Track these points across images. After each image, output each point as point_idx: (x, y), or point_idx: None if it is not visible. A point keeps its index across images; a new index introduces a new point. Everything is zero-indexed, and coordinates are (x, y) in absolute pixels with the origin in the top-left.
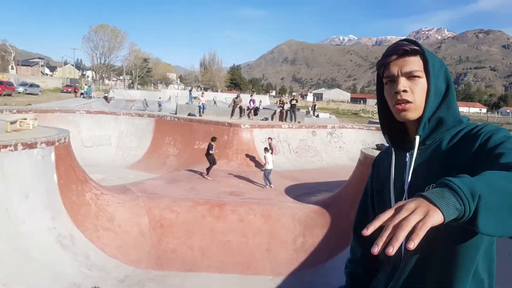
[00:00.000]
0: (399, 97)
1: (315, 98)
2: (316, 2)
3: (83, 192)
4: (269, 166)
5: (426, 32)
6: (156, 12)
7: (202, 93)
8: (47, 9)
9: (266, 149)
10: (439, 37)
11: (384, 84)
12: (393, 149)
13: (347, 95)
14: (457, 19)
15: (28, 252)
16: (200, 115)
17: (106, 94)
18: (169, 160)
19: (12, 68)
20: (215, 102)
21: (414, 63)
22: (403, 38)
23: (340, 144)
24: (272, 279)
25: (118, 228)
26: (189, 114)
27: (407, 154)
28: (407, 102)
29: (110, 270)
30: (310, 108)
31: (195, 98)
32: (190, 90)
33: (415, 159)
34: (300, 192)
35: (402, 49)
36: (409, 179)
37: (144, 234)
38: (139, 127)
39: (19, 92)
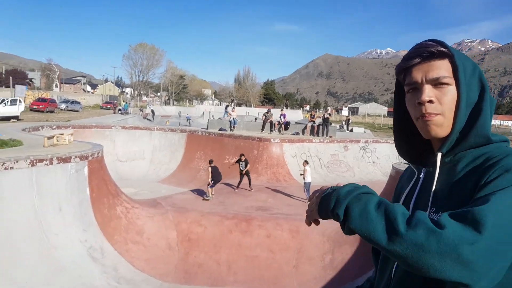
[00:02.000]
0: (424, 110)
1: (350, 112)
2: (352, 16)
3: (114, 205)
4: (307, 180)
5: (469, 44)
6: (192, 30)
7: (233, 108)
8: (91, 29)
9: (305, 162)
10: (483, 49)
11: (406, 92)
12: (410, 165)
13: (384, 109)
14: (502, 30)
15: (59, 264)
16: (231, 130)
17: (141, 109)
18: (200, 174)
19: (56, 86)
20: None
21: (442, 68)
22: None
23: (374, 159)
24: None
25: (147, 241)
26: (220, 129)
27: (423, 170)
28: (435, 114)
29: (139, 283)
30: (344, 123)
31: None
32: (227, 106)
33: (424, 179)
34: None
35: (427, 50)
36: (414, 198)
37: (172, 247)
38: (172, 141)
39: (61, 109)
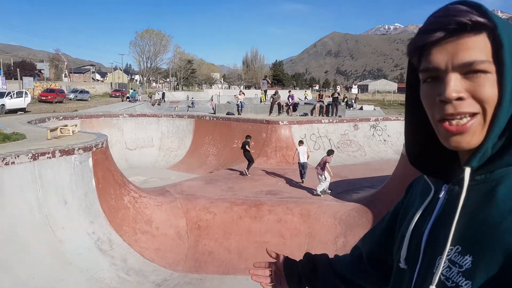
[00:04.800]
0: (450, 110)
1: (359, 90)
2: None
3: (122, 195)
4: (301, 160)
5: None
6: (198, 14)
7: (240, 91)
8: (99, 18)
9: (300, 142)
10: None
11: (421, 81)
12: (425, 177)
13: (394, 86)
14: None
15: (66, 257)
16: (239, 114)
17: (150, 96)
18: (209, 159)
19: (65, 76)
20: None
21: (477, 48)
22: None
23: (385, 137)
24: None
25: (156, 230)
26: (227, 113)
27: (443, 187)
28: (468, 116)
29: (148, 274)
30: (353, 100)
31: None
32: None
33: (446, 199)
34: (341, 189)
35: (455, 21)
36: (429, 226)
37: (181, 236)
38: (180, 128)
39: (70, 99)
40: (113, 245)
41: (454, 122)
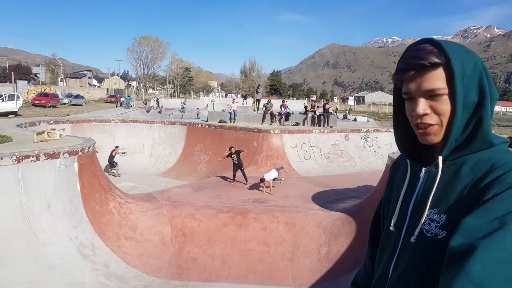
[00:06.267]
0: (419, 120)
1: (355, 101)
2: (357, 5)
3: (107, 201)
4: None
5: (475, 31)
6: (198, 22)
7: (233, 99)
8: (98, 24)
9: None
10: (488, 35)
11: (405, 99)
12: (408, 161)
13: (390, 98)
14: (508, 16)
15: (48, 261)
16: (231, 122)
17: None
18: (200, 167)
19: (61, 81)
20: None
21: (436, 79)
22: (424, 38)
23: (375, 148)
24: None
25: (140, 237)
26: (220, 121)
27: (423, 169)
28: (431, 126)
29: (130, 280)
30: (347, 112)
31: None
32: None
33: (425, 179)
34: (328, 199)
35: (420, 63)
36: (414, 196)
37: (165, 242)
38: (172, 134)
39: (64, 104)
40: (95, 250)
41: (422, 127)
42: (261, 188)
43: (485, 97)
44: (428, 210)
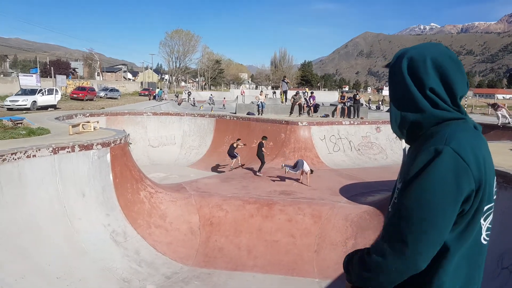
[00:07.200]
0: None
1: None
2: None
3: (138, 190)
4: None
5: None
6: (228, 14)
7: (261, 91)
8: (134, 19)
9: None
10: None
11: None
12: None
13: None
14: None
15: (82, 247)
16: (259, 114)
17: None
18: (228, 158)
19: (98, 75)
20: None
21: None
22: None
23: None
24: (318, 282)
25: (170, 225)
26: (248, 113)
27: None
28: None
29: (159, 267)
30: (380, 102)
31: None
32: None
33: (404, 156)
34: (356, 191)
35: (389, 64)
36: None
37: (194, 231)
38: (201, 126)
39: (100, 97)
40: (127, 237)
41: None
42: (298, 176)
43: (407, 87)
44: (398, 182)
